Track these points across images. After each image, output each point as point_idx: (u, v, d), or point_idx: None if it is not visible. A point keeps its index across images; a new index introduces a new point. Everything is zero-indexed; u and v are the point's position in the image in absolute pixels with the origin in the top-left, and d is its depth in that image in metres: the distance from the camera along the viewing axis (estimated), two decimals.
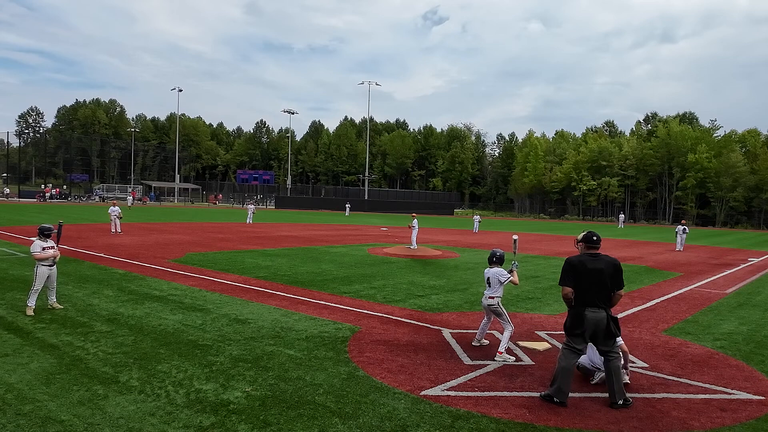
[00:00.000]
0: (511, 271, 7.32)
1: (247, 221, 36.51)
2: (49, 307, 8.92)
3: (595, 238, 5.84)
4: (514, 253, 7.81)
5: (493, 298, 7.36)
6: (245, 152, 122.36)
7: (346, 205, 64.99)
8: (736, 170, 73.98)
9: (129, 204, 53.81)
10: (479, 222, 38.89)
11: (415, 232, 22.22)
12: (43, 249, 8.78)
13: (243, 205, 78.32)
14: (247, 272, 13.85)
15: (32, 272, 8.82)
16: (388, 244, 24.04)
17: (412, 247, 21.38)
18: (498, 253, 7.43)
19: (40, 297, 8.86)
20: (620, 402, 5.57)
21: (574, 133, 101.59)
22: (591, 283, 5.63)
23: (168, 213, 48.08)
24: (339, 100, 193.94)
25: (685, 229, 27.68)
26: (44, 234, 8.88)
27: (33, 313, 8.49)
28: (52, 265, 8.88)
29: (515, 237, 8.04)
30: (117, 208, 23.98)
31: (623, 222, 59.49)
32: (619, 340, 6.46)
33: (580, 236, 6.02)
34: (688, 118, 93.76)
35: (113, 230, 23.38)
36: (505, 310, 7.45)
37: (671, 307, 11.44)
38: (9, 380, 5.65)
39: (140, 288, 11.15)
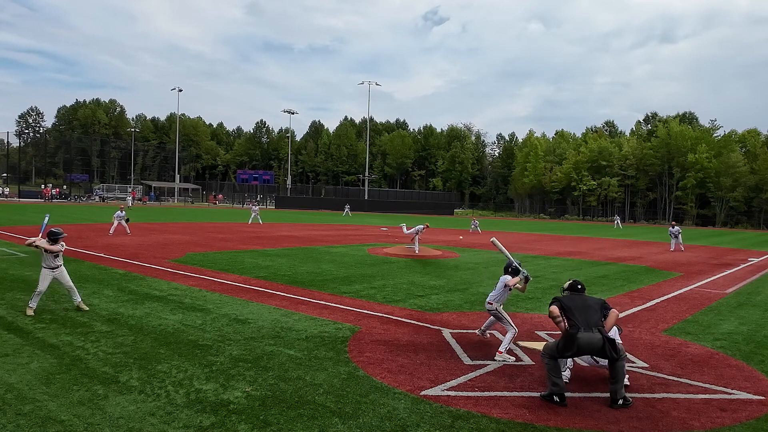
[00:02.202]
0: (525, 280, 7.35)
1: (249, 221, 35.93)
2: (77, 308, 8.85)
3: (579, 286, 6.17)
4: (508, 257, 7.76)
5: (491, 303, 7.41)
6: (245, 152, 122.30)
7: (346, 206, 62.41)
8: (736, 170, 73.98)
9: (129, 204, 53.90)
10: (477, 226, 37.42)
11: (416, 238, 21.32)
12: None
13: (243, 205, 78.27)
14: (247, 272, 13.84)
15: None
16: (388, 244, 24.03)
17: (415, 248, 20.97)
18: (513, 265, 7.46)
19: (66, 300, 8.71)
20: (620, 402, 5.59)
21: (574, 133, 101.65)
22: (580, 309, 5.78)
23: (168, 213, 48.07)
24: (339, 100, 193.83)
25: (677, 232, 26.90)
26: (52, 238, 8.72)
27: (33, 314, 8.47)
28: (55, 269, 8.74)
29: (493, 239, 8.09)
30: (123, 212, 23.89)
31: (619, 223, 58.68)
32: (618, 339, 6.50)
33: (566, 285, 6.34)
34: (688, 118, 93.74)
35: (111, 232, 23.18)
36: (506, 314, 7.47)
37: (671, 307, 11.44)
38: (9, 380, 5.64)
39: (140, 288, 11.14)
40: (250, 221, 36.02)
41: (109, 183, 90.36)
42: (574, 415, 5.36)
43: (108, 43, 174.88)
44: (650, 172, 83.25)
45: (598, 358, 6.10)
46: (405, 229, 21.89)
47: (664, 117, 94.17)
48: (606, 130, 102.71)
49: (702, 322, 10.05)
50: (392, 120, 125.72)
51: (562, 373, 6.17)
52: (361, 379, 6.12)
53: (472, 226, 37.46)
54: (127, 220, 23.70)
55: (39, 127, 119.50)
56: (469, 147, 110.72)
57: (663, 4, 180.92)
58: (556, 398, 5.60)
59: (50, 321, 8.17)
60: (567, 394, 5.73)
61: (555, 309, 5.87)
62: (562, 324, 5.82)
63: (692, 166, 76.62)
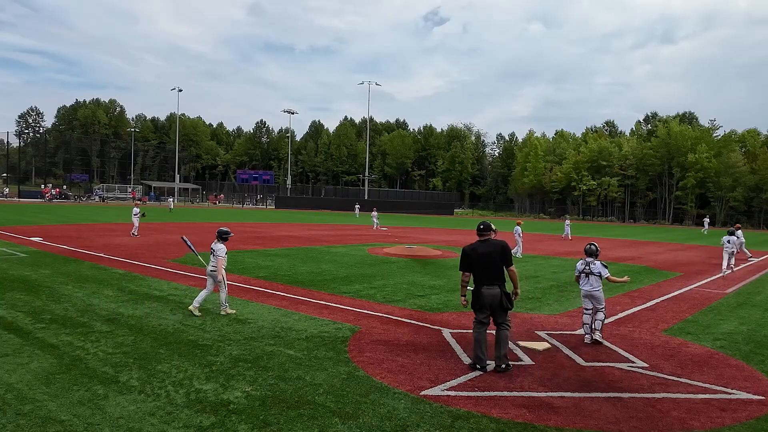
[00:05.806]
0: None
1: (374, 228, 35.26)
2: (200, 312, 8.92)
3: (482, 226, 6.99)
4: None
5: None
6: (245, 152, 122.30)
7: (356, 206, 59.62)
8: (735, 170, 74.00)
9: (170, 207, 54.12)
10: (569, 226, 34.15)
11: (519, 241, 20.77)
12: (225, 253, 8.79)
13: (243, 205, 77.97)
14: (247, 272, 13.84)
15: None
16: (388, 244, 24.04)
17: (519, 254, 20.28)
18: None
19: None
20: (503, 366, 6.51)
21: (574, 133, 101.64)
22: (484, 265, 6.68)
23: (168, 213, 48.03)
24: (339, 100, 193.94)
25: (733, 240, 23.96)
26: (223, 237, 8.89)
27: (233, 311, 8.76)
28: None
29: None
30: (138, 208, 23.85)
31: (707, 227, 53.63)
32: (603, 270, 8.02)
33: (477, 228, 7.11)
34: (688, 118, 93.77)
35: (134, 232, 22.95)
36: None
37: (671, 307, 11.44)
38: (9, 380, 5.64)
39: (140, 288, 11.14)
40: (375, 228, 35.35)
41: (109, 183, 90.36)
42: (574, 415, 5.36)
43: (109, 44, 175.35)
44: (650, 172, 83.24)
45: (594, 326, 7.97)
46: (519, 231, 20.71)
47: (664, 117, 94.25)
48: (606, 130, 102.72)
49: (702, 322, 10.05)
50: (392, 120, 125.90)
51: (585, 336, 8.09)
52: (361, 379, 6.12)
53: (567, 230, 33.62)
54: (142, 215, 23.52)
55: (39, 127, 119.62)
56: (469, 147, 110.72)
57: (663, 5, 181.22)
58: (477, 366, 6.57)
59: (50, 321, 8.17)
60: (567, 394, 5.85)
61: (466, 277, 6.80)
62: (465, 286, 6.88)
63: (692, 166, 76.63)
